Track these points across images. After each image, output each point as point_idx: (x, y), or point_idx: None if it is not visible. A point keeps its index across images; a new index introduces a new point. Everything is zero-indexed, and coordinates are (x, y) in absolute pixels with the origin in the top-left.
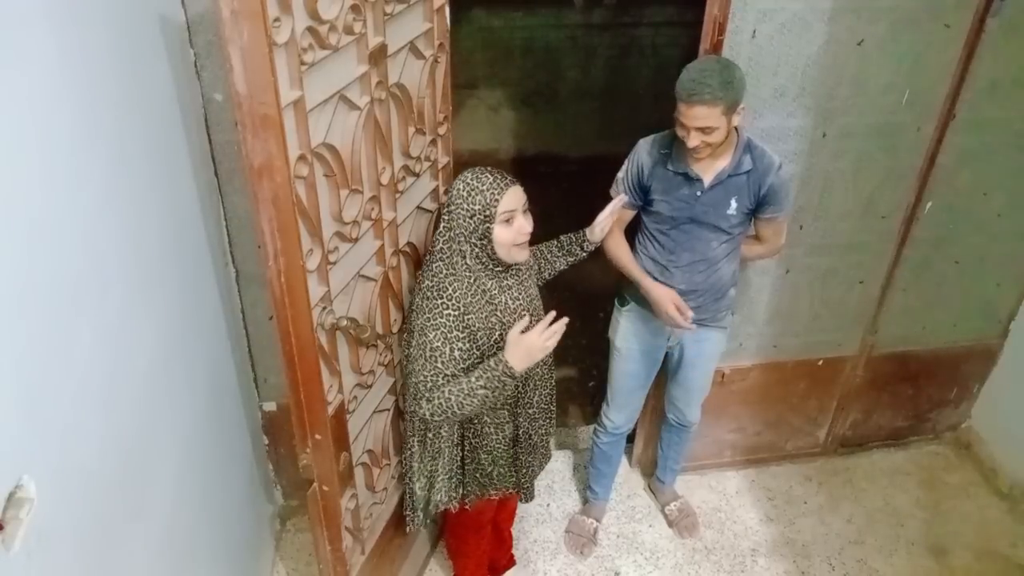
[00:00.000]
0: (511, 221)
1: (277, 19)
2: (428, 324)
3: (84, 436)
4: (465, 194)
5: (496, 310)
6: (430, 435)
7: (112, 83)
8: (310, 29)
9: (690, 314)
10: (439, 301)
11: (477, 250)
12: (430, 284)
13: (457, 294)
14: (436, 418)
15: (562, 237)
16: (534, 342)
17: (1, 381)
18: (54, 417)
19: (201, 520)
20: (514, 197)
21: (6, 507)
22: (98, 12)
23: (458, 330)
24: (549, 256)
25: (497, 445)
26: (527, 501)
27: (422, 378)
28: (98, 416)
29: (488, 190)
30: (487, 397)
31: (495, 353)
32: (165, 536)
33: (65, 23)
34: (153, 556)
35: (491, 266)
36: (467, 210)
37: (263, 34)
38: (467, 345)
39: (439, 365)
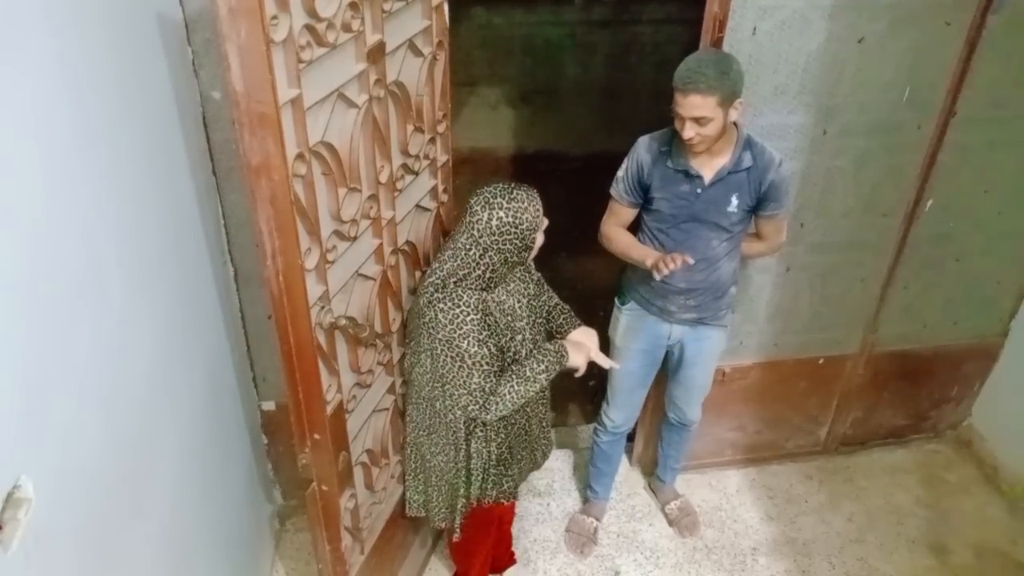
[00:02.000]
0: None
1: (275, 17)
2: (456, 334)
3: (83, 436)
4: (511, 218)
5: (505, 313)
6: (471, 438)
7: (110, 81)
8: (308, 27)
9: (686, 259)
10: (457, 310)
11: (514, 262)
12: (441, 296)
13: (473, 300)
14: (500, 415)
15: (561, 309)
16: (591, 349)
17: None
18: (52, 417)
19: (200, 520)
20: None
21: (4, 507)
22: (96, 10)
23: (486, 330)
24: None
25: (506, 442)
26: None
27: (476, 386)
28: (97, 416)
29: (530, 203)
30: (545, 380)
31: (514, 349)
32: (164, 536)
33: (63, 21)
34: (152, 556)
35: (506, 273)
36: (519, 231)
37: (261, 32)
38: (495, 343)
39: (485, 367)
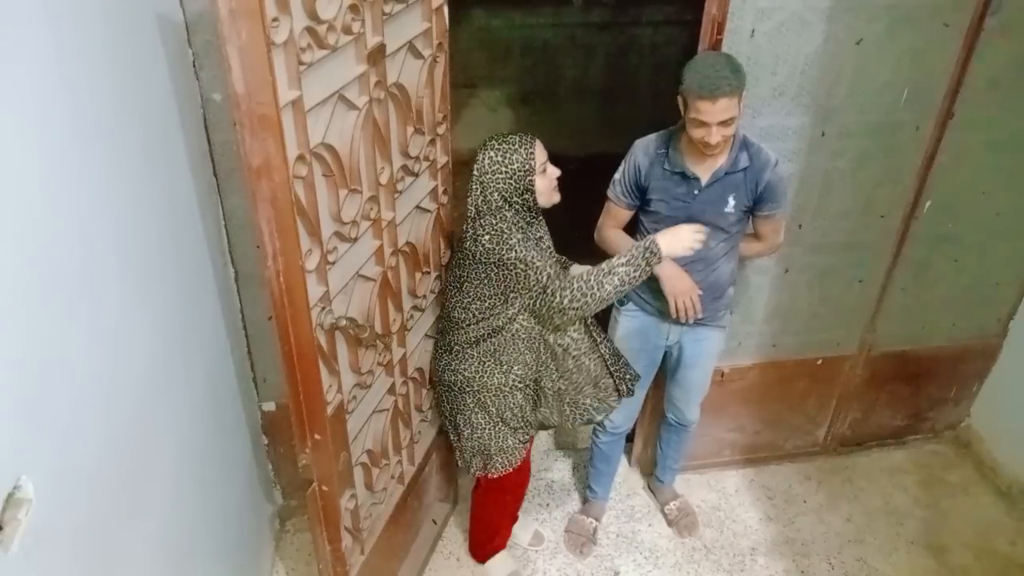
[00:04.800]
0: (545, 169)
1: (275, 19)
2: (508, 255)
3: (82, 436)
4: (500, 158)
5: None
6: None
7: (110, 82)
8: (308, 29)
9: (699, 314)
10: (498, 228)
11: (517, 206)
12: (481, 223)
13: (515, 229)
14: (575, 304)
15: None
16: (685, 233)
17: None
18: (52, 417)
19: (200, 520)
20: (541, 148)
21: (5, 508)
22: (96, 11)
23: (534, 249)
24: None
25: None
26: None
27: (537, 279)
28: (96, 416)
29: (522, 146)
30: (626, 275)
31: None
32: (164, 536)
33: (63, 22)
34: (152, 556)
35: (528, 219)
36: (507, 171)
37: (261, 34)
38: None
39: (544, 264)
